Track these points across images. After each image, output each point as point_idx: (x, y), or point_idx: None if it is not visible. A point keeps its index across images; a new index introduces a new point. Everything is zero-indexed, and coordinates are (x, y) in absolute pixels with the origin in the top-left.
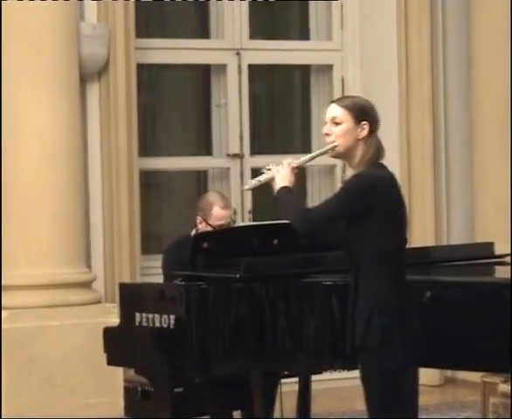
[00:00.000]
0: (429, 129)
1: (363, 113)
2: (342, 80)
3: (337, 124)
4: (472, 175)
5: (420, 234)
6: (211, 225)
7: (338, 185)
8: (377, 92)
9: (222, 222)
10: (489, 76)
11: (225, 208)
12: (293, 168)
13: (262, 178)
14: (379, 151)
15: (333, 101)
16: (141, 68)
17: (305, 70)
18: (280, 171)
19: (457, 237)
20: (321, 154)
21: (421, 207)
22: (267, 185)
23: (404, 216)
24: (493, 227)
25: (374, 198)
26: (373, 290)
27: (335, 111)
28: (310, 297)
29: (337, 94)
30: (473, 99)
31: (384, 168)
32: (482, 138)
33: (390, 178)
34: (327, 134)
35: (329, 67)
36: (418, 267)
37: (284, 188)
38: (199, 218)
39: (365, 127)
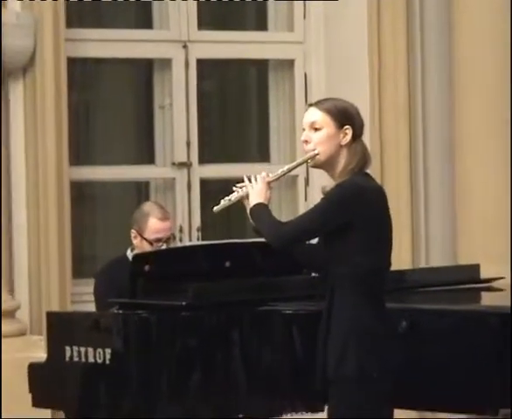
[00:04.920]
0: (404, 135)
1: (346, 116)
2: (305, 78)
3: (317, 129)
4: (454, 187)
5: (395, 255)
6: (146, 240)
7: (301, 198)
8: (344, 92)
9: (159, 235)
10: (473, 76)
11: (163, 219)
12: (268, 183)
13: (233, 197)
14: (365, 159)
15: (311, 104)
16: (73, 63)
17: (262, 65)
18: (254, 187)
19: (437, 259)
20: (300, 164)
21: (395, 224)
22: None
23: (391, 232)
24: (478, 247)
25: (357, 211)
26: (349, 314)
27: (314, 115)
28: (267, 327)
29: (299, 93)
30: (455, 101)
31: (370, 177)
32: (465, 145)
33: (379, 189)
34: (305, 141)
35: (290, 62)
36: (393, 293)
37: (259, 205)
38: (133, 232)
39: (348, 131)
